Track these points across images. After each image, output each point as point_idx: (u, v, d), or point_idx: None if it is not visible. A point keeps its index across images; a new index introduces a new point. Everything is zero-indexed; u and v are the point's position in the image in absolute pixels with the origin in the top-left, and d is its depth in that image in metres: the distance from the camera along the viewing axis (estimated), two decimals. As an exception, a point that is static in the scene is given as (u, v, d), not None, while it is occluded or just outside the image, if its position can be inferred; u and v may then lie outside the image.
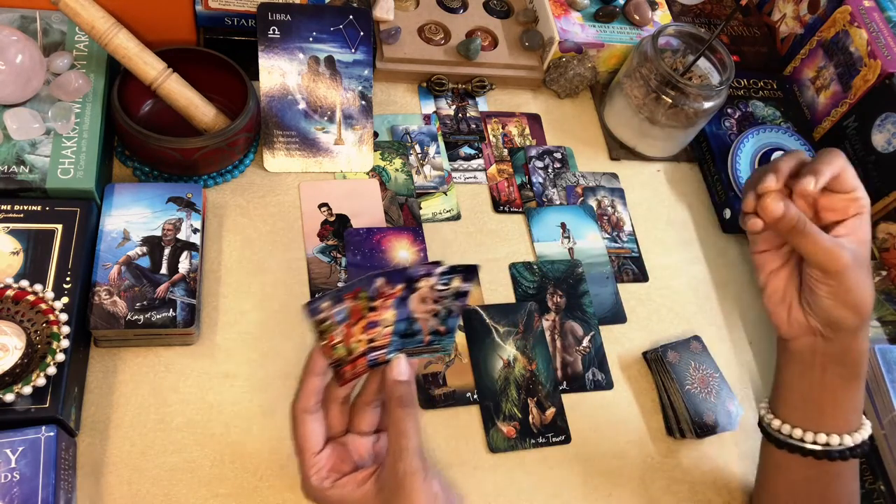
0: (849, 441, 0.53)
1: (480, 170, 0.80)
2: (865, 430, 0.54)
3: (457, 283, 0.49)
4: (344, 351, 0.48)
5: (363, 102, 0.76)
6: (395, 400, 0.48)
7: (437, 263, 0.48)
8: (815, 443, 0.54)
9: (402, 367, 0.49)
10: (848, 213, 0.54)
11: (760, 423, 0.59)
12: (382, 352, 0.50)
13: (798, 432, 0.55)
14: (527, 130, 0.85)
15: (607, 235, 0.79)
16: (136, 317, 0.58)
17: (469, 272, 0.49)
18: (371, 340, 0.49)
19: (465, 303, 0.50)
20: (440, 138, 0.81)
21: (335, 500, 0.48)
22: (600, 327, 0.72)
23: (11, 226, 0.58)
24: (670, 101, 0.78)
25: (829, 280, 0.51)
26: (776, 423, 0.56)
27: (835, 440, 0.53)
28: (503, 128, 0.84)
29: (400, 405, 0.47)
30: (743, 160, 0.82)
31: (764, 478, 0.60)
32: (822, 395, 0.54)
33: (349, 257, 0.70)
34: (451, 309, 0.51)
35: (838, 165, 0.53)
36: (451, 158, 0.80)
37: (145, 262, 0.60)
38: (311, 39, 0.74)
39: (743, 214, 0.55)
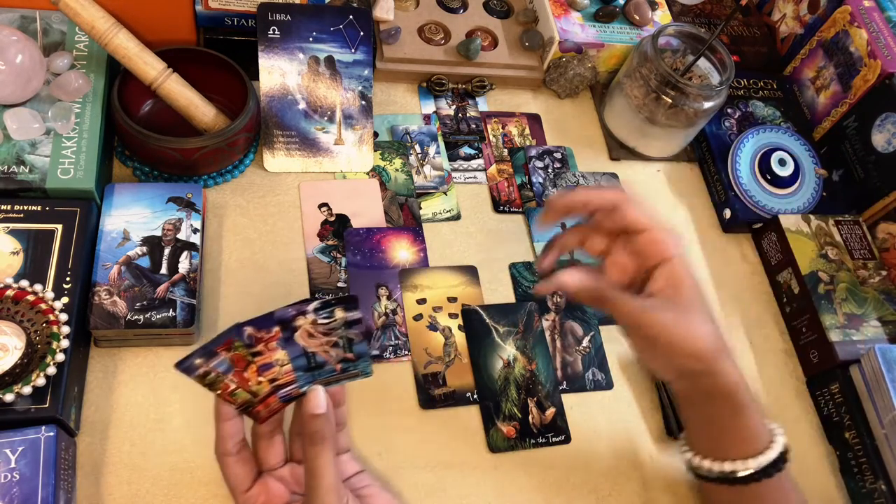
0: (753, 464, 0.53)
1: (480, 170, 0.80)
2: (774, 450, 0.54)
3: (340, 314, 0.48)
4: (247, 395, 0.48)
5: (363, 102, 0.76)
6: (308, 436, 0.46)
7: (308, 301, 0.47)
8: (723, 471, 0.54)
9: (319, 401, 0.47)
10: (659, 255, 0.53)
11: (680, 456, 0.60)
12: (293, 387, 0.49)
13: (707, 462, 0.55)
14: (527, 130, 0.85)
15: (607, 235, 0.79)
16: (136, 317, 0.58)
17: (347, 302, 0.48)
18: (273, 380, 0.48)
19: (361, 330, 0.49)
20: (440, 138, 0.81)
21: None
22: (600, 327, 0.72)
23: (11, 226, 0.58)
24: (670, 101, 0.78)
25: (651, 342, 0.51)
26: (688, 455, 0.57)
27: (740, 465, 0.53)
28: (503, 128, 0.84)
29: (312, 442, 0.46)
30: (743, 160, 0.83)
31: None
32: (714, 427, 0.55)
33: (349, 257, 0.70)
34: (350, 338, 0.49)
35: (611, 198, 0.53)
36: (451, 158, 0.80)
37: (145, 262, 0.60)
38: (311, 39, 0.75)
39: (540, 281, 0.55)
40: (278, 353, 0.47)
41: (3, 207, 0.58)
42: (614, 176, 0.83)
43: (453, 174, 0.79)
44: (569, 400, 0.68)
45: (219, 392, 0.47)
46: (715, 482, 0.55)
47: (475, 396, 0.65)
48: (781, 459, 0.54)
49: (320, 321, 0.48)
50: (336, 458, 0.47)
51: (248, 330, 0.46)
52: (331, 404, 0.48)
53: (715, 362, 0.53)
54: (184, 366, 0.45)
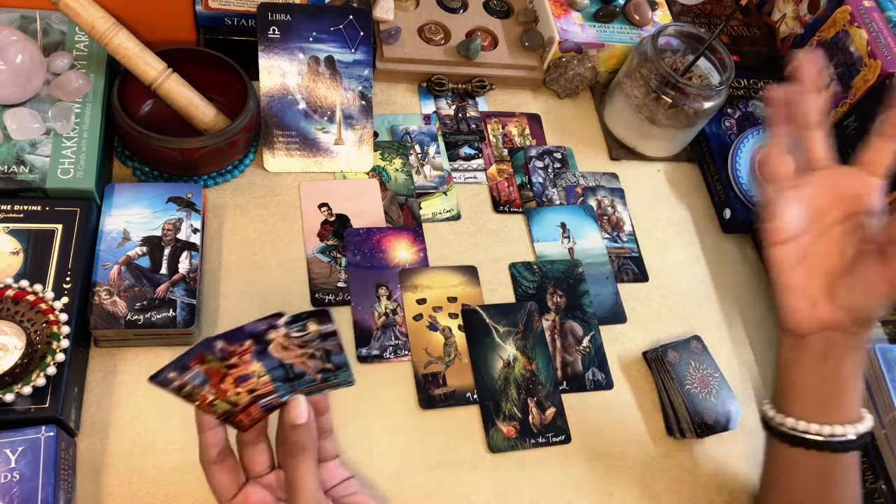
0: (860, 429, 0.54)
1: (480, 170, 0.80)
2: (869, 419, 0.55)
3: (314, 326, 0.47)
4: (226, 405, 0.47)
5: (363, 102, 0.76)
6: (288, 447, 0.46)
7: (279, 315, 0.46)
8: (832, 435, 0.54)
9: (299, 411, 0.46)
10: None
11: (767, 423, 0.58)
12: (273, 396, 0.48)
13: (814, 426, 0.54)
14: (527, 130, 0.85)
15: (607, 235, 0.79)
16: (136, 317, 0.58)
17: (319, 316, 0.47)
18: (252, 390, 0.47)
19: (336, 341, 0.48)
20: (440, 138, 0.81)
21: None
22: (600, 327, 0.72)
23: (11, 226, 0.58)
24: (670, 101, 0.78)
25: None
26: (789, 420, 0.55)
27: (848, 430, 0.54)
28: (503, 128, 0.84)
29: (292, 453, 0.46)
30: (743, 160, 0.82)
31: (772, 477, 0.59)
32: (834, 387, 0.54)
33: (349, 257, 0.70)
34: (327, 349, 0.48)
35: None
36: (451, 158, 0.80)
37: (145, 262, 0.60)
38: (311, 39, 0.75)
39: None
40: (254, 366, 0.46)
41: (3, 207, 0.58)
42: (614, 176, 0.83)
43: (453, 174, 0.79)
44: (569, 400, 0.68)
45: (197, 403, 0.47)
46: (812, 448, 0.55)
47: (475, 396, 0.65)
48: (871, 432, 0.55)
49: (293, 334, 0.47)
50: (317, 467, 0.47)
51: (220, 344, 0.45)
52: (312, 414, 0.47)
53: None
54: (158, 379, 0.45)
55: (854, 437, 0.54)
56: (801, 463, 0.56)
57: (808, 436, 0.54)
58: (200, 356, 0.45)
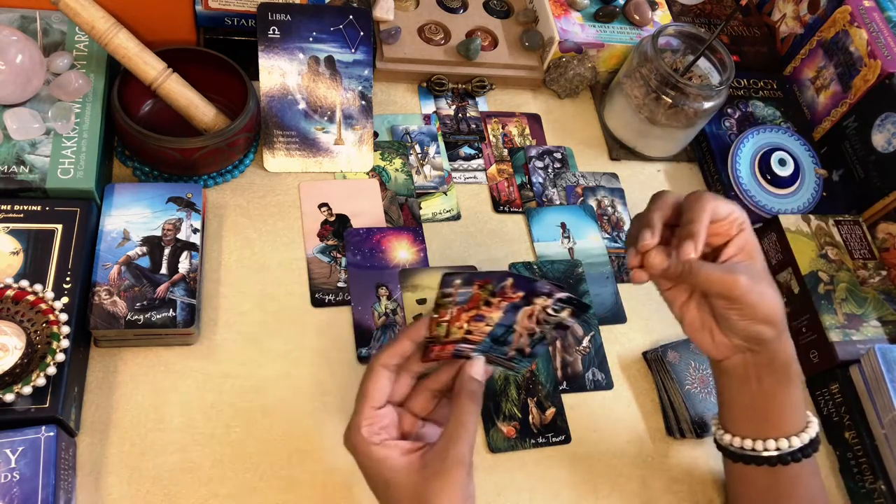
0: (797, 442, 0.55)
1: (480, 170, 0.80)
2: (812, 428, 0.56)
3: (566, 314, 0.51)
4: (443, 331, 0.50)
5: (363, 102, 0.76)
6: (465, 392, 0.51)
7: (562, 288, 0.50)
8: (766, 450, 0.56)
9: (479, 368, 0.52)
10: (731, 234, 0.55)
11: (714, 440, 0.61)
12: (470, 346, 0.52)
13: (749, 443, 0.56)
14: (527, 130, 0.85)
15: (607, 235, 0.79)
16: (136, 317, 0.58)
17: (581, 308, 0.51)
18: (468, 332, 0.51)
19: (561, 336, 0.51)
20: (440, 138, 0.81)
21: (376, 457, 0.50)
22: (600, 327, 0.72)
23: (11, 226, 0.58)
24: (670, 101, 0.78)
25: (735, 304, 0.53)
26: (727, 437, 0.58)
27: (784, 444, 0.55)
28: (503, 128, 0.84)
29: (467, 399, 0.50)
30: (743, 160, 0.83)
31: (731, 491, 0.62)
32: (763, 404, 0.56)
33: (349, 257, 0.70)
34: (548, 335, 0.52)
35: (709, 210, 0.53)
36: (451, 158, 0.80)
37: (145, 262, 0.60)
38: (311, 39, 0.75)
39: (630, 268, 0.55)
40: (497, 314, 0.50)
41: (3, 207, 0.58)
42: (614, 176, 0.83)
43: (453, 174, 0.79)
44: (569, 400, 0.68)
45: (436, 316, 0.49)
46: (752, 463, 0.57)
47: (475, 396, 0.65)
48: (817, 441, 0.56)
49: (549, 310, 0.50)
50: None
51: (508, 281, 0.48)
52: (485, 377, 0.53)
53: (783, 331, 0.55)
54: (448, 278, 0.47)
55: (792, 450, 0.55)
56: (749, 477, 0.58)
57: (745, 452, 0.57)
58: (487, 281, 0.48)
